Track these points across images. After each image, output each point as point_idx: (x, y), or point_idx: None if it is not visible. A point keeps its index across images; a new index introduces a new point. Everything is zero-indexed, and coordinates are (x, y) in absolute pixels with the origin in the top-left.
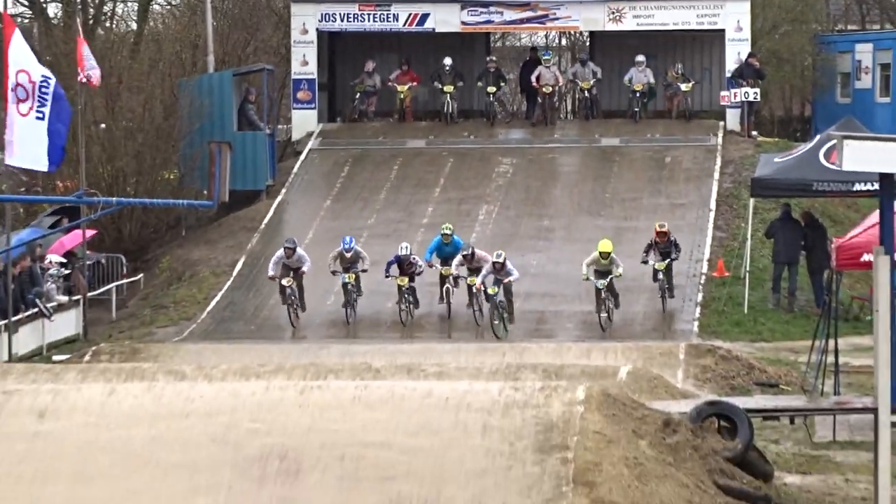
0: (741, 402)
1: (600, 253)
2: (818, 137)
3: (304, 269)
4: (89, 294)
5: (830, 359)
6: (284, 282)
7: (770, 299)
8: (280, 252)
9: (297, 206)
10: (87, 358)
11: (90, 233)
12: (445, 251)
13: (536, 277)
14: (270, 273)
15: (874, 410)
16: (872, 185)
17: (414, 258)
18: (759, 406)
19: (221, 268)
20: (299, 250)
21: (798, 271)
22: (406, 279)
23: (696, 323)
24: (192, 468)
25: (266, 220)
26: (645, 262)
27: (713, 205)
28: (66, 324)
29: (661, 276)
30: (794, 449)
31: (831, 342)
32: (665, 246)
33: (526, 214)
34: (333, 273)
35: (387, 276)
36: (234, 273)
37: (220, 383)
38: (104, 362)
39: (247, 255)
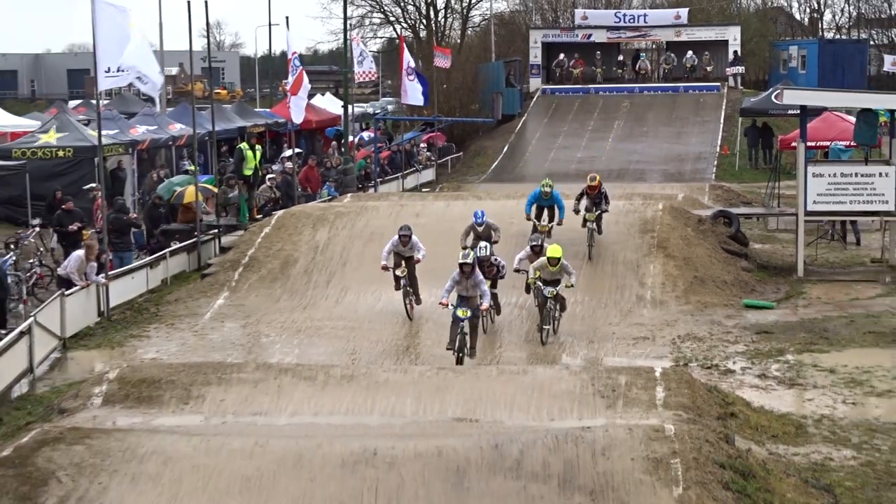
0: (735, 210)
1: (549, 259)
2: (771, 89)
3: (419, 256)
4: (438, 161)
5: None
6: (398, 272)
7: (748, 164)
8: (395, 239)
9: (531, 122)
10: (437, 189)
11: (439, 135)
12: (544, 203)
13: (642, 154)
14: (383, 263)
15: (796, 214)
16: (797, 111)
17: (495, 258)
18: (742, 212)
19: (498, 149)
20: (415, 238)
21: (759, 151)
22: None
23: (713, 175)
24: None
25: (517, 128)
26: (577, 212)
27: (722, 120)
28: (429, 174)
29: (590, 225)
30: (758, 232)
31: (775, 183)
32: (596, 196)
33: (634, 124)
34: (463, 248)
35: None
36: (503, 151)
37: (498, 200)
38: (445, 191)
39: (509, 145)
